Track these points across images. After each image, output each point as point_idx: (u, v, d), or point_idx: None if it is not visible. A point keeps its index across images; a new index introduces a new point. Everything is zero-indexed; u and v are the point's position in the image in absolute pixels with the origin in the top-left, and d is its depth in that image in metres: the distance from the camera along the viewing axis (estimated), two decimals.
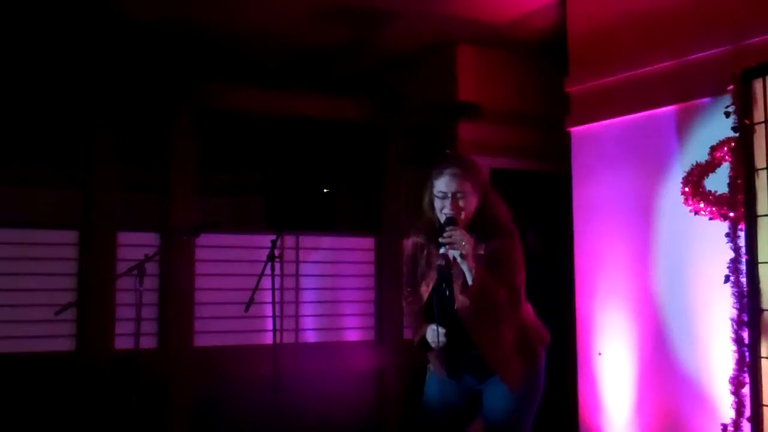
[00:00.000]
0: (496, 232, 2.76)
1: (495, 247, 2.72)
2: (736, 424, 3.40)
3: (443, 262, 2.64)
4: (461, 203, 2.73)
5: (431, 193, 2.79)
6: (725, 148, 3.53)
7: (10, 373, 4.22)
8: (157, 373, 4.49)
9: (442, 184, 2.74)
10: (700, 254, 3.76)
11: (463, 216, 2.74)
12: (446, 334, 2.69)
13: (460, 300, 2.68)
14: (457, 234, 2.61)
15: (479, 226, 2.75)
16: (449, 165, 2.77)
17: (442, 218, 2.75)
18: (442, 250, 2.61)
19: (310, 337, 5.05)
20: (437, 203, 2.77)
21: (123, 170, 4.68)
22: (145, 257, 3.84)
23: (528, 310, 2.89)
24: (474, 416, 2.92)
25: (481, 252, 2.70)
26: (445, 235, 2.61)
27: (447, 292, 2.70)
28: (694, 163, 3.69)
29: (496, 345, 2.73)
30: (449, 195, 2.73)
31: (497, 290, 2.64)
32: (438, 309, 2.68)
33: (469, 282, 2.62)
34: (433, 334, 2.70)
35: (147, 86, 4.79)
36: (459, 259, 2.62)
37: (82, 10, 4.99)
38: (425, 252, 2.87)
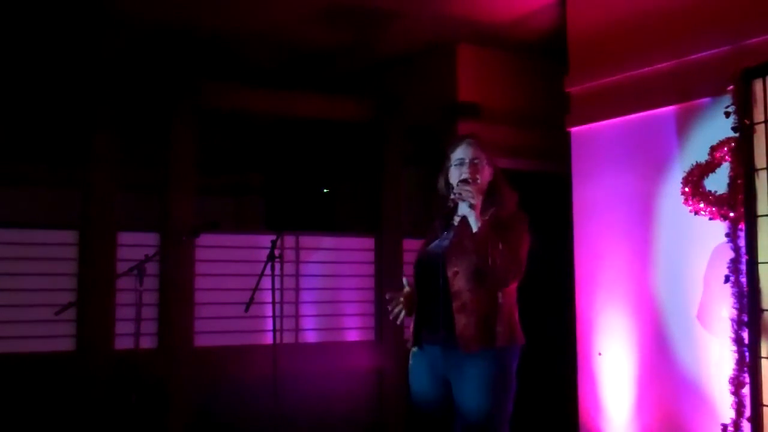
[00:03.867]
0: (504, 208, 2.88)
1: (501, 217, 2.81)
2: (736, 424, 3.40)
3: (451, 204, 2.85)
4: (477, 169, 2.89)
5: (448, 166, 2.97)
6: (725, 148, 3.53)
7: (10, 373, 4.23)
8: (157, 373, 4.49)
9: (460, 152, 2.93)
10: (700, 254, 3.76)
11: (479, 181, 2.87)
12: (422, 294, 2.87)
13: (453, 261, 2.78)
14: (467, 187, 2.75)
15: (489, 202, 2.87)
16: (466, 137, 2.99)
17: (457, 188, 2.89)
18: (453, 197, 2.80)
19: (310, 337, 5.05)
20: (454, 172, 2.93)
21: (123, 170, 4.68)
22: (145, 257, 3.84)
23: (513, 309, 2.88)
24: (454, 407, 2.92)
25: (486, 217, 2.79)
26: (455, 190, 2.78)
27: (439, 257, 2.84)
28: (694, 163, 3.68)
29: (467, 306, 2.75)
30: (467, 161, 2.90)
31: (499, 244, 2.68)
32: (424, 269, 2.88)
33: (474, 230, 2.71)
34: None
35: (147, 86, 4.79)
36: (467, 210, 2.74)
37: (82, 10, 4.99)
38: (433, 227, 3.03)
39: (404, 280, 2.97)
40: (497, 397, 2.77)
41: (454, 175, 2.92)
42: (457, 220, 2.90)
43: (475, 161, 2.89)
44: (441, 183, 3.02)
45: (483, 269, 2.70)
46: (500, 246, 2.67)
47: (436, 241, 2.95)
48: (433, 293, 2.85)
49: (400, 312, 2.89)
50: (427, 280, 2.88)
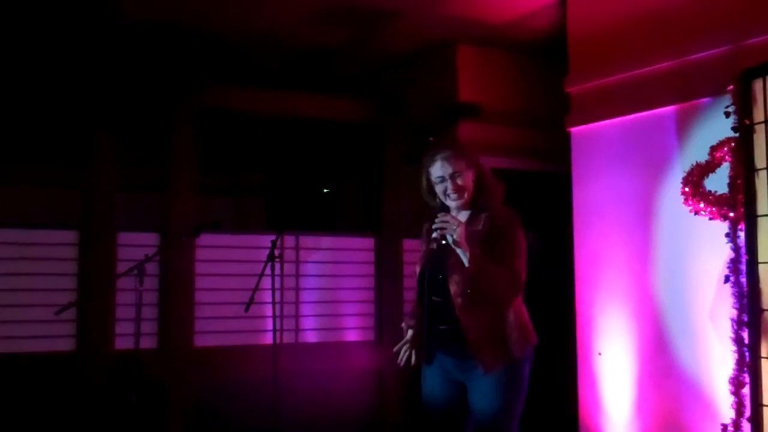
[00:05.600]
0: (495, 209, 2.84)
1: (494, 223, 2.78)
2: (736, 424, 3.40)
3: (434, 245, 2.74)
4: (460, 182, 2.84)
5: (429, 181, 2.91)
6: (725, 148, 3.53)
7: (10, 373, 4.23)
8: (157, 373, 4.49)
9: (437, 170, 2.85)
10: (700, 254, 3.76)
11: (466, 195, 2.85)
12: (427, 311, 2.84)
13: (454, 280, 2.75)
14: (447, 218, 2.67)
15: (479, 202, 2.86)
16: (439, 150, 2.87)
17: (446, 200, 2.87)
18: (434, 235, 2.69)
19: (310, 337, 5.05)
20: (438, 188, 2.89)
21: (123, 170, 4.68)
22: (145, 257, 3.84)
23: (521, 308, 2.88)
24: (467, 410, 2.92)
25: (480, 227, 2.78)
26: (436, 221, 2.68)
27: (439, 274, 2.81)
28: (694, 163, 3.68)
29: (477, 324, 2.74)
30: (447, 177, 2.84)
31: (495, 270, 2.66)
32: (427, 287, 2.84)
33: (466, 264, 2.66)
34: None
35: (147, 86, 4.79)
36: (452, 245, 2.67)
37: (82, 11, 4.99)
38: (427, 234, 3.00)
39: (403, 326, 3.02)
40: (510, 400, 2.79)
41: (439, 190, 2.88)
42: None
43: (456, 175, 2.83)
44: (423, 191, 2.96)
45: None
46: (498, 272, 2.66)
47: (434, 255, 2.87)
48: (439, 311, 2.83)
49: (409, 357, 2.94)
50: (430, 296, 2.86)
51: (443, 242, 2.69)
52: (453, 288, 2.76)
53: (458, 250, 2.66)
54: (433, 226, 2.68)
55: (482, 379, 2.77)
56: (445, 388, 2.91)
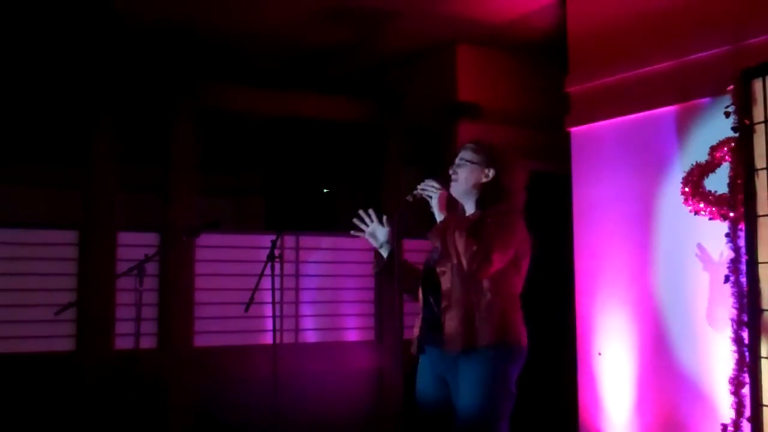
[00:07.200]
0: (497, 208, 2.85)
1: (489, 215, 2.80)
2: (736, 424, 3.40)
3: (409, 198, 2.90)
4: (461, 170, 2.92)
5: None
6: (725, 148, 3.53)
7: (10, 373, 4.23)
8: (157, 373, 4.49)
9: (460, 152, 3.00)
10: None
11: (458, 182, 2.91)
12: (425, 299, 2.93)
13: (442, 269, 2.82)
14: (432, 183, 2.83)
15: (487, 200, 2.89)
16: (472, 141, 3.04)
17: None
18: (413, 192, 2.88)
19: (310, 337, 5.05)
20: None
21: (123, 170, 4.68)
22: (145, 257, 3.84)
23: (508, 306, 2.82)
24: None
25: (475, 218, 2.82)
26: (419, 186, 2.86)
27: (434, 265, 2.87)
28: (694, 163, 3.68)
29: (454, 309, 2.77)
30: (456, 161, 2.96)
31: (466, 238, 2.64)
32: (425, 275, 2.95)
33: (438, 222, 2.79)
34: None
35: (147, 86, 4.79)
36: (432, 204, 2.82)
37: (82, 10, 4.99)
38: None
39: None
40: (488, 398, 2.74)
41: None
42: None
43: (462, 162, 2.92)
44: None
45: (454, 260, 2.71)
46: (463, 235, 2.64)
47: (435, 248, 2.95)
48: (432, 296, 2.87)
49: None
50: (427, 283, 2.92)
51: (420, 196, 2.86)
52: (439, 270, 2.82)
53: (434, 210, 2.81)
54: (418, 186, 2.85)
55: (461, 378, 2.77)
56: (435, 385, 2.93)
